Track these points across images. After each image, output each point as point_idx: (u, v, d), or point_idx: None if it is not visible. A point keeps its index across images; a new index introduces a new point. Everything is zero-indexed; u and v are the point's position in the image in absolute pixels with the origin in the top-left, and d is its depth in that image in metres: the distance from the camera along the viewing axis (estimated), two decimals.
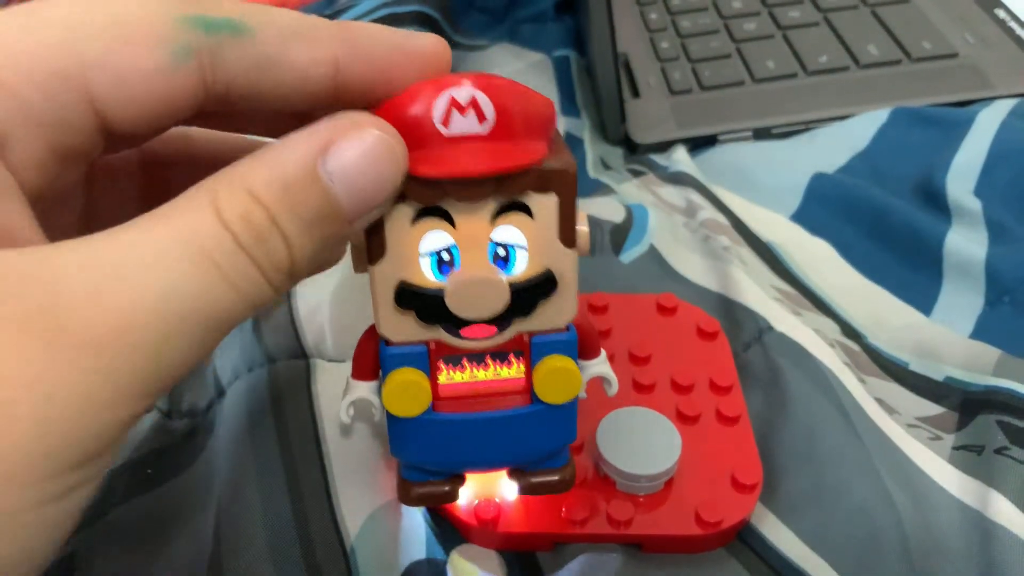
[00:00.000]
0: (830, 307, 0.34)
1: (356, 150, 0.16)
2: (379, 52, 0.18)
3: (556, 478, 0.23)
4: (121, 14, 0.16)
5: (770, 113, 0.45)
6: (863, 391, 0.28)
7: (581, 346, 0.21)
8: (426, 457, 0.22)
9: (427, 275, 0.19)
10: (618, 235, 0.36)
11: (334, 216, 0.16)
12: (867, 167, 0.40)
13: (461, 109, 0.17)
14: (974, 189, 0.36)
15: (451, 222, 0.19)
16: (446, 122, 0.17)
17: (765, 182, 0.40)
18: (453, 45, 0.50)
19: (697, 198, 0.39)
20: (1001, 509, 0.24)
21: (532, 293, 0.19)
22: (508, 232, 0.19)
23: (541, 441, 0.22)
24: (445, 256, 0.19)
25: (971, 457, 0.26)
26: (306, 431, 0.27)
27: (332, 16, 0.50)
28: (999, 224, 0.34)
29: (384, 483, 0.26)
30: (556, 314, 0.20)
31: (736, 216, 0.38)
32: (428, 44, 0.18)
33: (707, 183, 0.40)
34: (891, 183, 0.38)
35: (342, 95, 0.18)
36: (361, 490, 0.26)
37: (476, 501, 0.24)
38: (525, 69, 0.50)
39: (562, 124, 0.47)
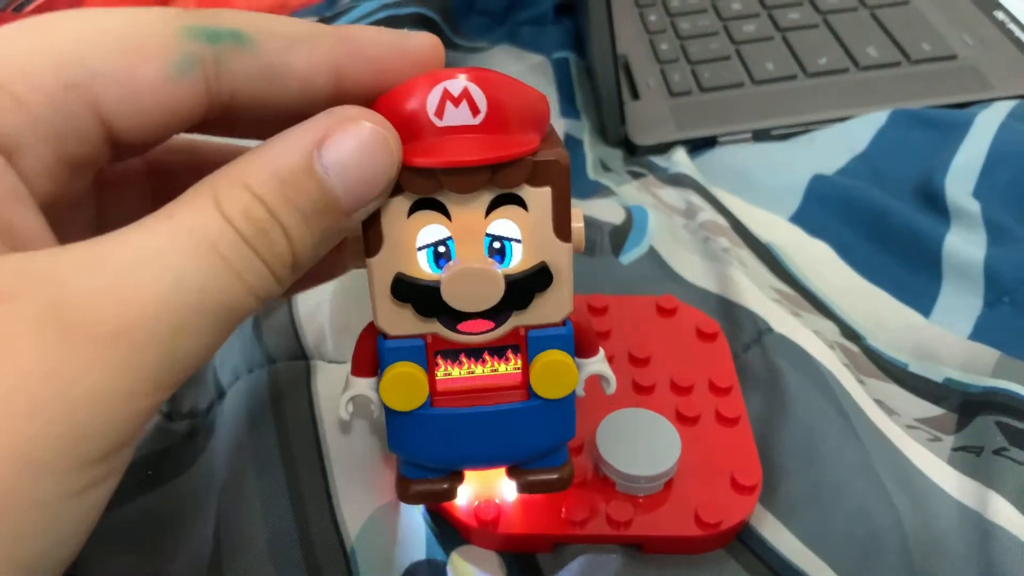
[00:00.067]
0: (829, 308, 0.34)
1: (351, 143, 0.16)
2: (378, 54, 0.18)
3: (554, 477, 0.23)
4: (126, 27, 0.16)
5: (769, 115, 0.45)
6: (862, 392, 0.28)
7: (579, 344, 0.21)
8: (423, 453, 0.22)
9: (424, 267, 0.19)
10: (618, 237, 0.36)
11: (331, 209, 0.17)
12: (866, 169, 0.40)
13: (454, 101, 0.17)
14: (973, 190, 0.36)
15: (447, 215, 0.19)
16: (440, 114, 0.17)
17: (764, 184, 0.40)
18: (453, 47, 0.51)
19: (697, 200, 0.39)
20: (1000, 510, 0.24)
21: (527, 286, 0.20)
22: (503, 225, 0.19)
23: (539, 437, 0.22)
24: (441, 249, 0.19)
25: (970, 458, 0.26)
26: (306, 432, 0.27)
27: (332, 18, 0.50)
28: (998, 225, 0.34)
29: (384, 484, 0.26)
30: (552, 308, 0.20)
31: (736, 218, 0.38)
32: (424, 43, 0.19)
33: (707, 185, 0.40)
34: (890, 185, 0.39)
35: (344, 99, 0.18)
36: (361, 491, 0.26)
37: (476, 502, 0.24)
38: (525, 71, 0.50)
39: (562, 126, 0.47)
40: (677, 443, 0.25)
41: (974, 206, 0.35)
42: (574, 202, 0.19)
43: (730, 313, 0.32)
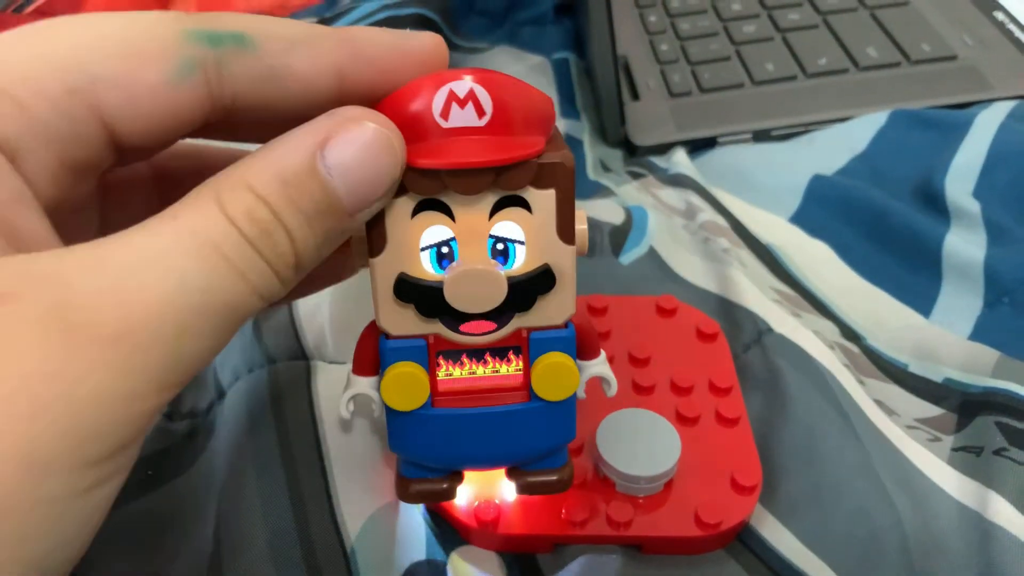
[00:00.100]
0: (829, 309, 0.34)
1: (354, 144, 0.16)
2: (381, 55, 0.18)
3: (554, 478, 0.23)
4: (128, 31, 0.16)
5: (769, 115, 0.45)
6: (862, 392, 0.28)
7: (580, 346, 0.21)
8: (424, 452, 0.22)
9: (427, 268, 0.19)
10: (617, 237, 0.36)
11: (334, 210, 0.16)
12: (866, 169, 0.40)
13: (460, 102, 0.17)
14: (973, 191, 0.36)
15: (451, 216, 0.19)
16: (445, 115, 0.17)
17: (764, 184, 0.40)
18: (453, 48, 0.51)
19: (696, 200, 0.39)
20: (1000, 510, 0.24)
21: (530, 288, 0.20)
22: (507, 227, 0.19)
23: (539, 439, 0.22)
24: (445, 250, 0.19)
25: (970, 458, 0.26)
26: (306, 432, 0.27)
27: (332, 19, 0.50)
28: (998, 225, 0.34)
29: (384, 484, 0.26)
30: (555, 310, 0.20)
31: (735, 218, 0.38)
32: (426, 43, 0.19)
33: (706, 185, 0.40)
34: (890, 185, 0.39)
35: (346, 100, 0.18)
36: (361, 491, 0.26)
37: (476, 503, 0.24)
38: (525, 72, 0.50)
39: (562, 126, 0.47)
40: (677, 443, 0.25)
41: (974, 206, 0.35)
42: (577, 204, 0.20)
43: (730, 313, 0.32)
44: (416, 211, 0.19)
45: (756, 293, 0.32)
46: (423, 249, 0.19)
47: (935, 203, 0.37)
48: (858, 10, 0.50)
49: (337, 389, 0.27)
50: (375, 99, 0.18)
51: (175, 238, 0.15)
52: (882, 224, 0.36)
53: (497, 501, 0.24)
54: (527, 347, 0.21)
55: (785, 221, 0.38)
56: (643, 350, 0.29)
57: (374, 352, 0.21)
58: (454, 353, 0.21)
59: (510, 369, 0.21)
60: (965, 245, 0.34)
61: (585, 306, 0.31)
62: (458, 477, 0.23)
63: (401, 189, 0.18)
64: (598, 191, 0.42)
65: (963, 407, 0.29)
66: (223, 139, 0.20)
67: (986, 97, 0.43)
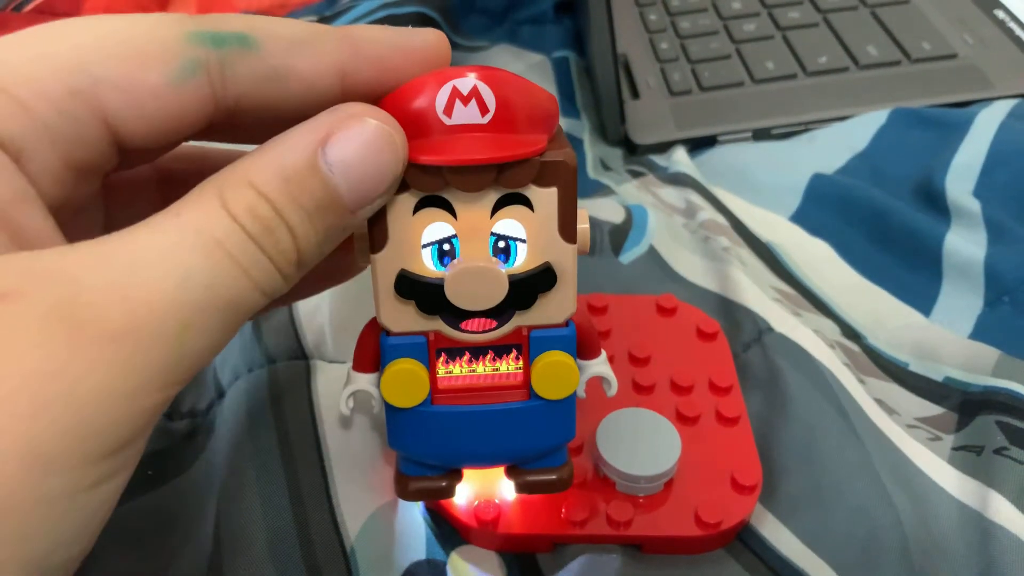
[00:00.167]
0: (829, 308, 0.34)
1: (355, 140, 0.16)
2: (383, 54, 0.18)
3: (553, 477, 0.23)
4: (130, 33, 0.16)
5: (769, 114, 0.45)
6: (863, 392, 0.28)
7: (581, 345, 0.21)
8: (423, 450, 0.22)
9: (428, 265, 0.19)
10: (617, 236, 0.36)
11: (336, 206, 0.17)
12: (866, 168, 0.40)
13: (463, 99, 0.17)
14: (973, 190, 0.36)
15: (452, 213, 0.19)
16: (448, 112, 0.17)
17: (764, 183, 0.40)
18: (453, 46, 0.50)
19: (697, 199, 0.39)
20: (1000, 509, 0.24)
21: (531, 286, 0.20)
22: (508, 225, 0.19)
23: (538, 438, 0.22)
24: (446, 247, 0.19)
25: (970, 457, 0.26)
26: (306, 432, 0.27)
27: (332, 17, 0.50)
28: (998, 224, 0.34)
29: (384, 484, 0.26)
30: (555, 309, 0.20)
31: (735, 217, 0.38)
32: (429, 40, 0.19)
33: (707, 184, 0.40)
34: (890, 184, 0.39)
35: (349, 99, 0.18)
36: (361, 491, 0.26)
37: (476, 502, 0.24)
38: (525, 70, 0.50)
39: (562, 125, 0.47)
40: (677, 443, 0.25)
41: (974, 205, 0.35)
42: (578, 203, 0.20)
43: (730, 312, 0.32)
44: (418, 208, 0.19)
45: (756, 292, 0.32)
46: (425, 246, 0.19)
47: (935, 202, 0.37)
48: (858, 8, 0.50)
49: (337, 389, 0.27)
50: (378, 97, 0.18)
51: (179, 235, 0.15)
52: (882, 223, 0.36)
53: (497, 501, 0.24)
54: (527, 345, 0.21)
55: (785, 220, 0.38)
56: (643, 349, 0.29)
57: (374, 349, 0.21)
58: (454, 350, 0.21)
59: (510, 367, 0.21)
60: (965, 244, 0.34)
61: (585, 305, 0.31)
62: (457, 475, 0.23)
63: (403, 186, 0.18)
64: (598, 190, 0.42)
65: (963, 406, 0.29)
66: (226, 141, 0.20)
67: (986, 96, 0.43)
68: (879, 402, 0.28)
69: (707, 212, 0.38)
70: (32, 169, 0.16)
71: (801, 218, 0.38)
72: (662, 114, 0.46)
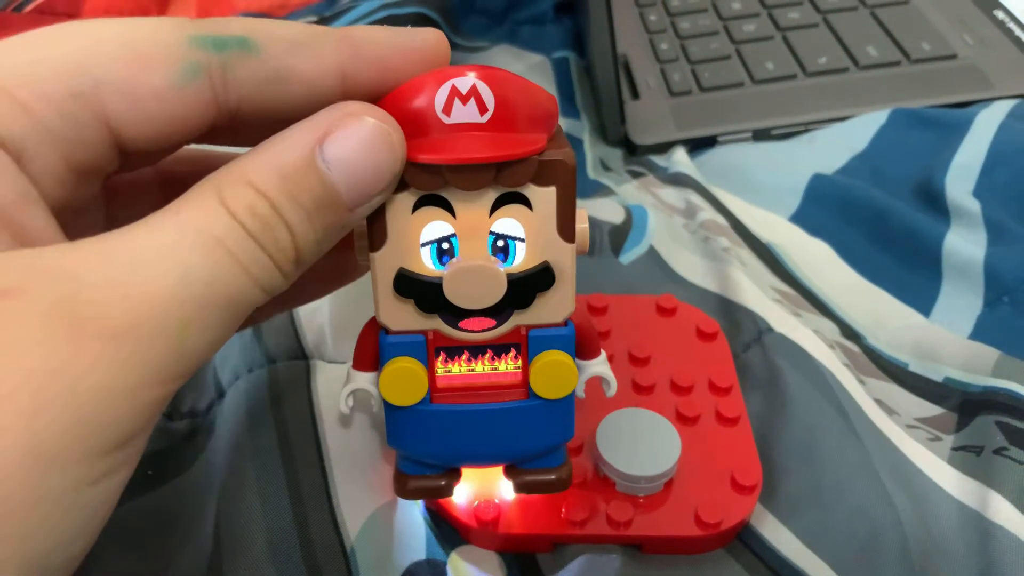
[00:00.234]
0: (829, 308, 0.34)
1: (353, 139, 0.16)
2: (383, 55, 0.18)
3: (552, 477, 0.23)
4: (132, 36, 0.17)
5: (769, 114, 0.45)
6: (862, 392, 0.28)
7: (581, 346, 0.21)
8: (422, 448, 0.22)
9: (427, 264, 0.19)
10: (617, 236, 0.36)
11: (334, 204, 0.17)
12: (866, 168, 0.40)
13: (462, 98, 0.17)
14: (973, 190, 0.36)
15: (451, 212, 0.19)
16: (447, 111, 0.18)
17: (764, 183, 0.40)
18: (453, 47, 0.50)
19: (696, 199, 0.39)
20: (1000, 509, 0.24)
21: (529, 285, 0.20)
22: (507, 224, 0.19)
23: (537, 437, 0.22)
24: (445, 246, 0.19)
25: (970, 458, 0.26)
26: (306, 432, 0.27)
27: (332, 17, 0.50)
28: (998, 225, 0.34)
29: (384, 484, 0.26)
30: (554, 308, 0.20)
31: (735, 217, 0.38)
32: (428, 39, 0.19)
33: (706, 184, 0.40)
34: (890, 184, 0.39)
35: (349, 100, 0.18)
36: (361, 491, 0.26)
37: (476, 502, 0.24)
38: (525, 71, 0.50)
39: (561, 125, 0.47)
40: (677, 443, 0.25)
41: (974, 205, 0.35)
42: (578, 204, 0.20)
43: (730, 313, 0.32)
44: (417, 206, 0.19)
45: (756, 292, 0.32)
46: (424, 245, 0.19)
47: (935, 202, 0.37)
48: (858, 9, 0.50)
49: (337, 389, 0.27)
50: (378, 98, 0.18)
51: (179, 233, 0.15)
52: (882, 223, 0.36)
53: (497, 501, 0.24)
54: (526, 345, 0.21)
55: (785, 220, 0.38)
56: (643, 349, 0.29)
57: (374, 347, 0.21)
58: (453, 349, 0.21)
59: (509, 366, 0.21)
60: (965, 244, 0.34)
61: (585, 305, 0.31)
62: (456, 474, 0.23)
63: (402, 184, 0.18)
64: (598, 190, 0.42)
65: (963, 406, 0.29)
66: (228, 144, 0.20)
67: (986, 96, 0.43)
68: (879, 402, 0.28)
69: (707, 212, 0.38)
70: (34, 170, 0.16)
71: (801, 218, 0.38)
72: (662, 114, 0.46)
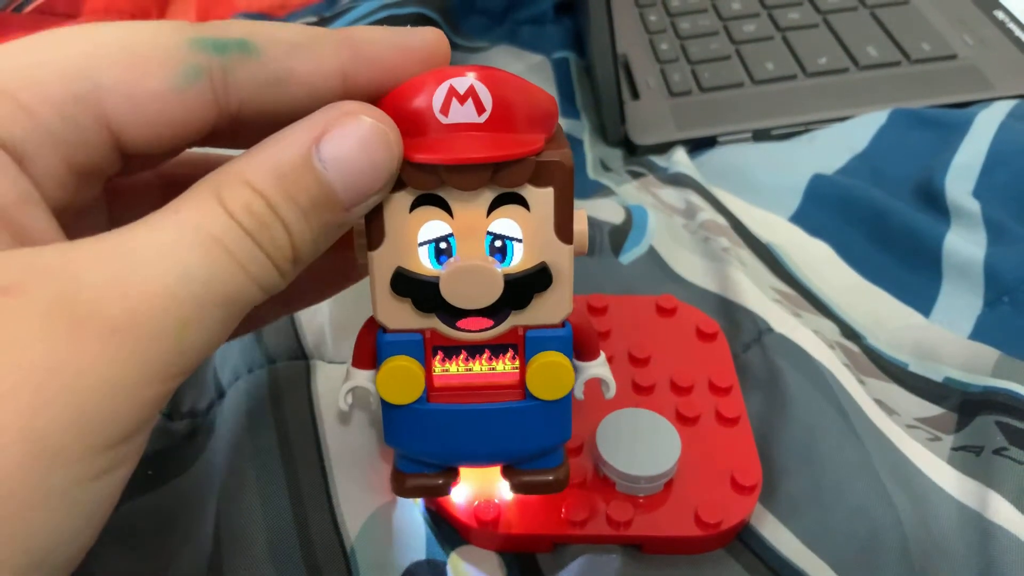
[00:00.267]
0: (829, 308, 0.34)
1: (349, 138, 0.17)
2: (382, 54, 0.18)
3: (549, 478, 0.23)
4: (132, 39, 0.17)
5: (769, 115, 0.45)
6: (862, 392, 0.28)
7: (580, 347, 0.21)
8: (419, 447, 0.22)
9: (424, 263, 0.19)
10: (617, 236, 0.36)
11: (330, 203, 0.17)
12: (866, 168, 0.40)
13: (460, 98, 0.18)
14: (973, 190, 0.36)
15: (449, 212, 0.19)
16: (445, 111, 0.18)
17: (764, 183, 0.40)
18: (453, 47, 0.50)
19: (696, 199, 0.39)
20: (1000, 509, 0.24)
21: (526, 285, 0.20)
22: (504, 224, 0.19)
23: (534, 438, 0.22)
24: (443, 245, 0.19)
25: (970, 458, 0.26)
26: (306, 432, 0.27)
27: (332, 18, 0.50)
28: (998, 225, 0.34)
29: (384, 484, 0.26)
30: (551, 309, 0.20)
31: (735, 217, 0.38)
32: (427, 38, 0.19)
33: (706, 184, 0.40)
34: (890, 184, 0.39)
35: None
36: (361, 491, 0.26)
37: (476, 502, 0.24)
38: (525, 71, 0.50)
39: (562, 125, 0.47)
40: (677, 443, 0.25)
41: (974, 205, 0.35)
42: (578, 205, 0.20)
43: (730, 313, 0.32)
44: (414, 206, 0.19)
45: (756, 292, 0.32)
46: (422, 244, 0.19)
47: (935, 202, 0.37)
48: (858, 9, 0.50)
49: (337, 389, 0.27)
50: (379, 98, 0.18)
51: (177, 232, 0.15)
52: (882, 223, 0.36)
53: (497, 501, 0.24)
54: (523, 345, 0.21)
55: (785, 220, 0.38)
56: (643, 350, 0.29)
57: (373, 345, 0.21)
58: (451, 349, 0.21)
59: (506, 367, 0.21)
60: (965, 244, 0.34)
61: (585, 306, 0.31)
62: (454, 473, 0.23)
63: (400, 184, 0.18)
64: (598, 190, 0.42)
65: (963, 406, 0.29)
66: (230, 146, 0.20)
67: (986, 96, 0.43)
68: (879, 402, 0.28)
69: (707, 213, 0.38)
70: (35, 171, 0.16)
71: (801, 218, 0.38)
72: (662, 115, 0.46)
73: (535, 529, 0.24)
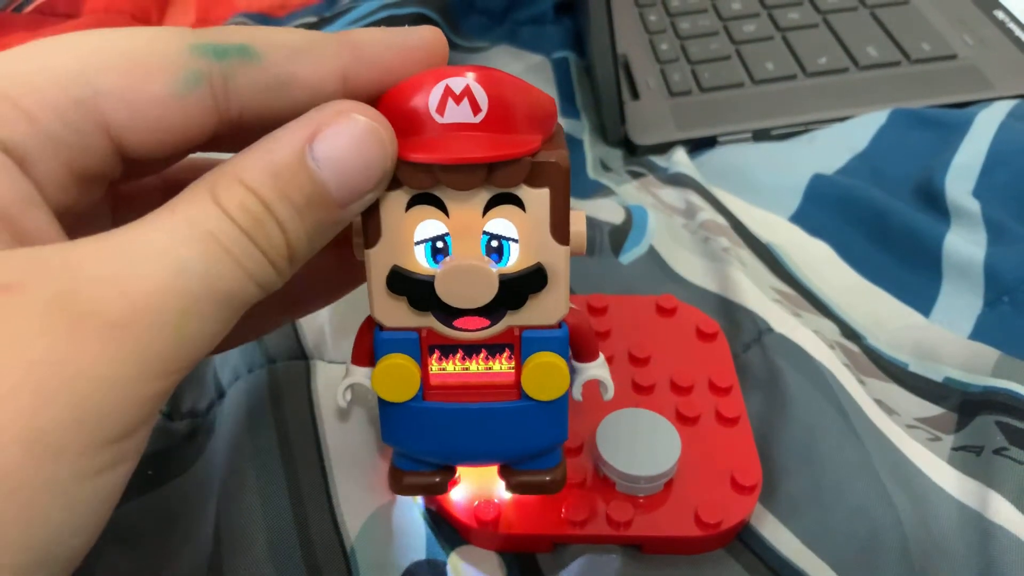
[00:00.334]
0: (829, 308, 0.34)
1: (343, 136, 0.17)
2: (383, 56, 0.18)
3: (546, 479, 0.23)
4: (132, 45, 0.17)
5: (769, 115, 0.45)
6: (862, 392, 0.28)
7: (578, 348, 0.21)
8: (415, 445, 0.22)
9: (421, 262, 0.19)
10: (617, 236, 0.36)
11: (324, 201, 0.17)
12: (866, 168, 0.40)
13: (456, 98, 0.18)
14: (973, 190, 0.36)
15: (445, 211, 0.19)
16: (441, 110, 0.18)
17: (764, 183, 0.40)
18: (453, 47, 0.50)
19: (696, 199, 0.39)
20: (1000, 509, 0.24)
21: (521, 286, 0.20)
22: (500, 224, 0.19)
23: (530, 438, 0.22)
24: (439, 245, 0.19)
25: (970, 458, 0.26)
26: (306, 432, 0.27)
27: (332, 18, 0.50)
28: (998, 225, 0.34)
29: (384, 483, 0.26)
30: (547, 310, 0.20)
31: (735, 217, 0.38)
32: (425, 37, 0.19)
33: (706, 184, 0.40)
34: (890, 184, 0.39)
35: None
36: (361, 490, 0.26)
37: (476, 502, 0.24)
38: (524, 71, 0.50)
39: (562, 125, 0.47)
40: (677, 443, 0.25)
41: (974, 205, 0.35)
42: (577, 205, 0.20)
43: (730, 313, 0.32)
44: (410, 205, 0.19)
45: (756, 292, 0.32)
46: (418, 243, 0.19)
47: (935, 202, 0.37)
48: (858, 9, 0.50)
49: (337, 388, 0.27)
50: (378, 98, 0.18)
51: (174, 229, 0.15)
52: (882, 223, 0.36)
53: (497, 501, 0.24)
54: (519, 345, 0.21)
55: (785, 220, 0.38)
56: (643, 350, 0.29)
57: (371, 343, 0.21)
58: (448, 348, 0.21)
59: (503, 367, 0.21)
60: (965, 244, 0.34)
61: (585, 306, 0.31)
62: (450, 471, 0.23)
63: (396, 183, 0.18)
64: (598, 190, 0.42)
65: (963, 406, 0.29)
66: (232, 151, 0.20)
67: (986, 96, 0.43)
68: (879, 402, 0.28)
69: (707, 213, 0.38)
70: (36, 175, 0.16)
71: (801, 218, 0.38)
72: (662, 115, 0.46)
73: (535, 529, 0.24)
